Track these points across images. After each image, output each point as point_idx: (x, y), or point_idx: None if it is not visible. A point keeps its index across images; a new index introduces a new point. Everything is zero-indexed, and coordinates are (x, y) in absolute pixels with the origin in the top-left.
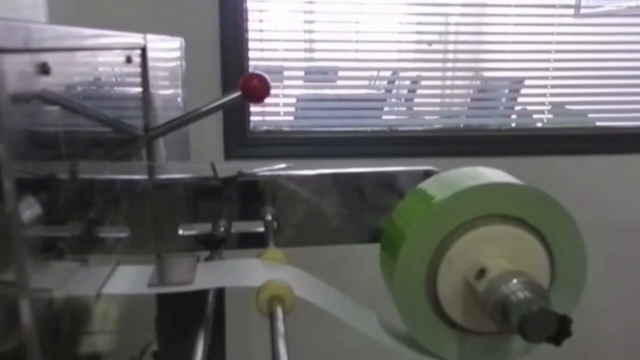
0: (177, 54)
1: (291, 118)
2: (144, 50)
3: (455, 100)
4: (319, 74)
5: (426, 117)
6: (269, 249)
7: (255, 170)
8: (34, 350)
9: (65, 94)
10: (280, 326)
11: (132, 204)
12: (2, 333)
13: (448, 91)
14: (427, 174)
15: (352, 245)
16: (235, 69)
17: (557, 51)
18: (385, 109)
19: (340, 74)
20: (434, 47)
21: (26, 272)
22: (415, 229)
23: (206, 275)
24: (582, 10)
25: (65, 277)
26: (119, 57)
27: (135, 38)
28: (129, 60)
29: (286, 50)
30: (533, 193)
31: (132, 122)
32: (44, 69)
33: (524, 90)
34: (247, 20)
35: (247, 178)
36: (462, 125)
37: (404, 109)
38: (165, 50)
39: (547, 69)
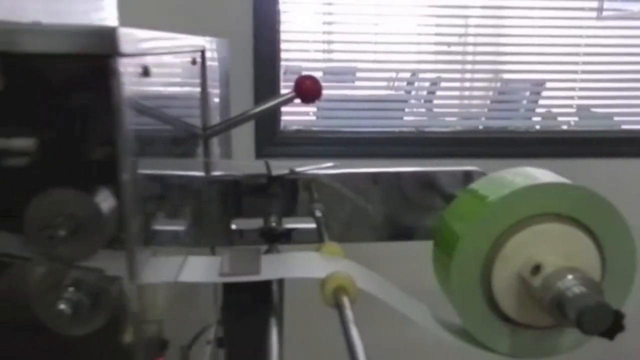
0: (215, 54)
1: (313, 118)
2: (203, 52)
3: (476, 102)
4: (341, 75)
5: (446, 119)
6: (327, 243)
7: (305, 168)
8: (141, 333)
9: (153, 95)
10: (349, 314)
11: (191, 199)
12: (87, 316)
13: (467, 93)
14: (467, 175)
15: (381, 244)
16: (268, 69)
17: (579, 54)
18: (406, 110)
19: (360, 74)
20: (453, 48)
21: (137, 261)
22: (471, 228)
23: (272, 267)
24: (605, 13)
25: (146, 265)
26: (186, 58)
27: (199, 40)
28: (194, 62)
29: (312, 50)
30: (586, 193)
31: (189, 121)
32: (146, 71)
33: (548, 93)
34: (280, 21)
35: (298, 175)
36: (481, 127)
37: (423, 110)
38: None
39: (568, 72)
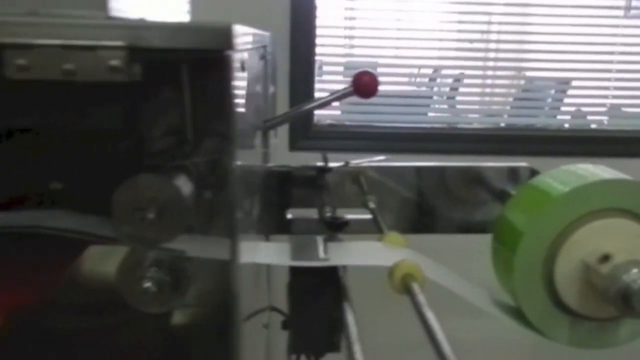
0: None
1: (338, 112)
2: (265, 47)
3: (500, 99)
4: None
5: (469, 116)
6: (389, 233)
7: (359, 161)
8: (239, 311)
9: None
10: (422, 299)
11: (254, 189)
12: (169, 294)
13: (489, 90)
14: (512, 170)
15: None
16: (304, 64)
17: (613, 52)
18: (433, 106)
19: (381, 70)
20: (476, 45)
21: (239, 246)
22: (536, 222)
23: (339, 254)
24: (633, 12)
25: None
26: (257, 53)
27: (266, 36)
28: (262, 57)
29: (335, 45)
30: None
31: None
32: (243, 66)
33: (577, 92)
34: (316, 17)
35: (351, 168)
36: (502, 125)
37: (445, 106)
38: None
39: (595, 70)
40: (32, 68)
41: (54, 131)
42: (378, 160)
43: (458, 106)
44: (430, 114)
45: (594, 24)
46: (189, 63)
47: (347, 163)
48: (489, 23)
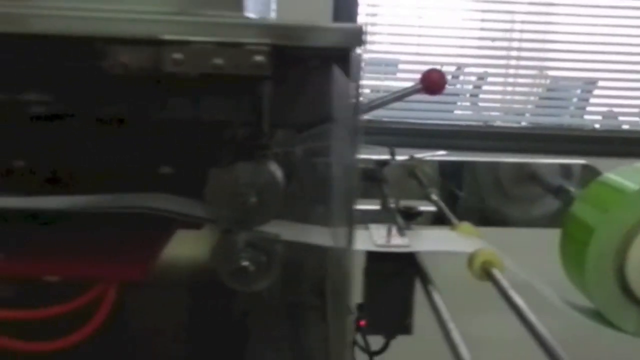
0: None
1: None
2: None
3: (520, 97)
4: (383, 66)
5: (491, 113)
6: (462, 224)
7: (423, 155)
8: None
9: None
10: (505, 283)
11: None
12: (262, 273)
13: (509, 88)
14: (565, 167)
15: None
16: None
17: (635, 53)
18: (459, 104)
19: (402, 67)
20: (498, 44)
21: (354, 231)
22: (607, 219)
23: (418, 241)
24: None
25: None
26: None
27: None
28: None
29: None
30: None
31: None
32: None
33: (607, 92)
34: (358, 13)
35: (407, 161)
36: (523, 123)
37: (468, 104)
38: None
39: (623, 71)
40: (185, 62)
41: (172, 119)
42: (440, 154)
43: (481, 104)
44: (456, 112)
45: (620, 25)
46: (321, 60)
47: (411, 157)
48: (512, 22)
